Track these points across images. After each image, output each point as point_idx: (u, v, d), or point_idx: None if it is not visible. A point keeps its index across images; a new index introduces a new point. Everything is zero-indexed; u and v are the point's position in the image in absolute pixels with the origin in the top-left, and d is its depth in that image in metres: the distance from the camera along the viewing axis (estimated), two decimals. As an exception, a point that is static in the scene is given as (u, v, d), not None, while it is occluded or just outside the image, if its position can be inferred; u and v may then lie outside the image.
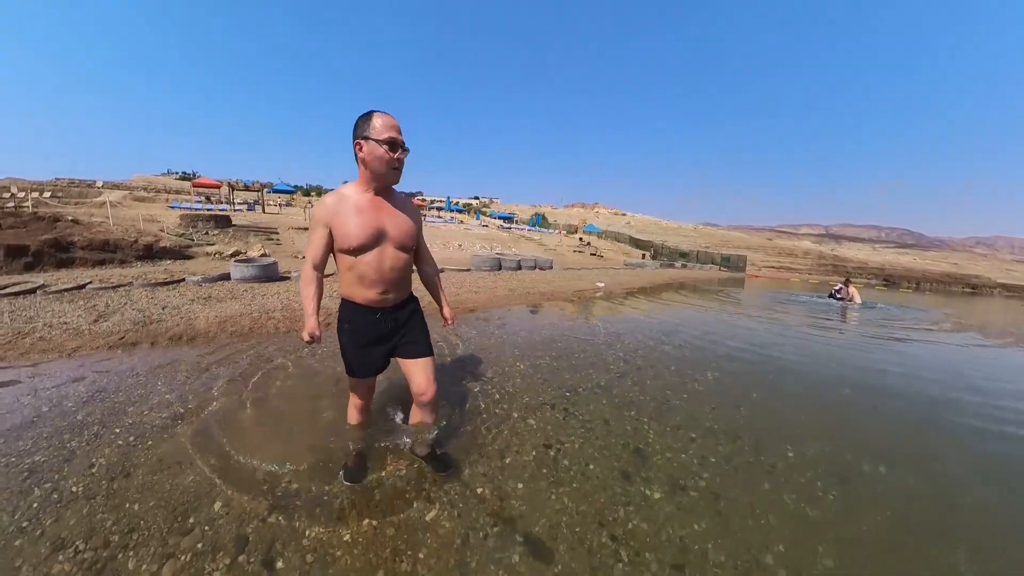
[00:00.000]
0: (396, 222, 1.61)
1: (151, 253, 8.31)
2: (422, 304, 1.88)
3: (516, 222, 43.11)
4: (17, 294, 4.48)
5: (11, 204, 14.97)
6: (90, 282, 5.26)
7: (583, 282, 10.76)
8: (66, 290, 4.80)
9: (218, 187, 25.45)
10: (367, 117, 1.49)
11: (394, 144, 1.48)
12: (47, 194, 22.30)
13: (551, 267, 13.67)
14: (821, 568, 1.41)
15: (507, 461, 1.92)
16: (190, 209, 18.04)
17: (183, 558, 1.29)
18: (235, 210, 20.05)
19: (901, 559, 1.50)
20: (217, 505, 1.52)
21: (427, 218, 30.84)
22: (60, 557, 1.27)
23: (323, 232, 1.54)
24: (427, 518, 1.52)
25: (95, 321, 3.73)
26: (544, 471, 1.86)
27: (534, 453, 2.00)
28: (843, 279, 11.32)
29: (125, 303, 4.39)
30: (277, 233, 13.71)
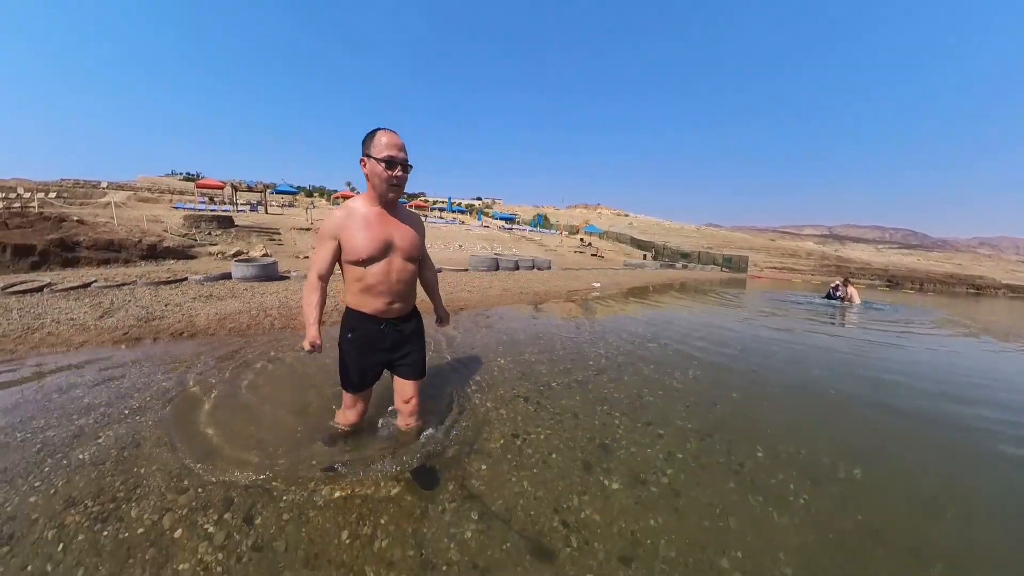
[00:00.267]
0: (403, 234, 1.72)
1: (155, 253, 8.51)
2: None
3: (518, 223, 43.18)
4: (25, 292, 4.67)
5: (17, 205, 15.29)
6: (95, 280, 5.45)
7: (579, 282, 10.87)
8: (72, 288, 4.98)
9: (222, 188, 25.71)
10: (372, 135, 1.59)
11: (392, 162, 1.56)
12: (53, 195, 22.65)
13: (549, 267, 13.78)
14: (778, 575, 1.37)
15: (475, 447, 2.06)
16: (194, 210, 18.30)
17: (179, 512, 1.51)
18: (238, 211, 20.26)
19: (866, 572, 1.42)
20: (208, 475, 1.71)
21: (428, 219, 30.99)
22: (72, 511, 1.48)
23: (332, 245, 1.63)
24: (392, 492, 1.67)
25: (100, 317, 3.92)
26: (508, 456, 2.00)
27: (502, 441, 2.14)
28: (842, 279, 11.15)
29: (129, 300, 4.58)
30: (279, 234, 13.93)
